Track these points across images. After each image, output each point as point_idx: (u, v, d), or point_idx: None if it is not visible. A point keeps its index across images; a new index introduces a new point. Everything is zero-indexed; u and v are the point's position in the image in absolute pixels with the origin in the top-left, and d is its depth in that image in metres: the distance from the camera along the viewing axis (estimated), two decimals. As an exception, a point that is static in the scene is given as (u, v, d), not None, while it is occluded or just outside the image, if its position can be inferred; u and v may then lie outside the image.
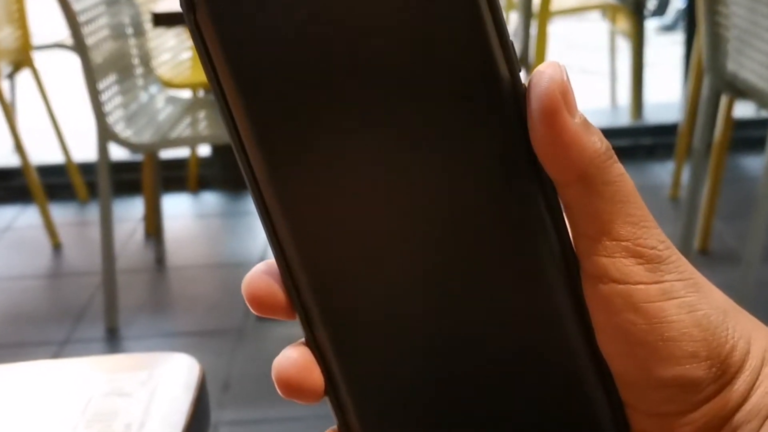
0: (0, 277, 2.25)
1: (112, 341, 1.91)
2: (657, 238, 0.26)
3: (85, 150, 2.51)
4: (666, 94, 3.18)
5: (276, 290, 0.27)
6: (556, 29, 2.92)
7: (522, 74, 0.26)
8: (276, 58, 0.25)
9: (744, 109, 2.42)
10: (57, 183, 2.63)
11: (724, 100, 1.90)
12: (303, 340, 0.27)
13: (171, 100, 2.13)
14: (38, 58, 2.57)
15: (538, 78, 0.25)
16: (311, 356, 0.27)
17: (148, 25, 2.08)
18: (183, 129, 1.97)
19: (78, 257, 2.35)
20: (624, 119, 3.04)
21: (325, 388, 0.27)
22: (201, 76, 2.33)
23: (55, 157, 2.66)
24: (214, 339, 1.89)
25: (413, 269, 0.26)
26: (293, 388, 0.27)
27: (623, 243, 0.25)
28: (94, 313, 2.00)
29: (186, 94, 2.33)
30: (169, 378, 0.52)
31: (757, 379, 0.26)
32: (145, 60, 2.09)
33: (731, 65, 1.72)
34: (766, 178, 1.60)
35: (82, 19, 1.76)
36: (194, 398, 0.50)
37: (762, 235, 1.61)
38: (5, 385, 0.53)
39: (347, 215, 0.26)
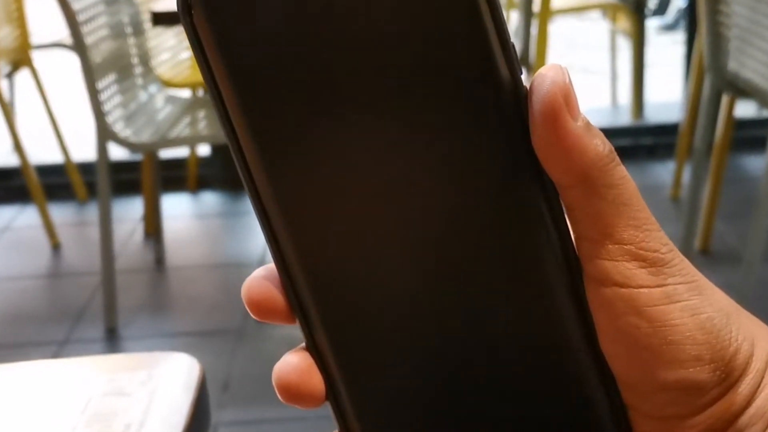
0: (-1, 277, 2.26)
1: (112, 341, 1.91)
2: (660, 241, 0.26)
3: (84, 150, 2.52)
4: (667, 94, 3.18)
5: (275, 295, 0.27)
6: (556, 28, 2.92)
7: (523, 74, 0.25)
8: (273, 60, 0.24)
9: (745, 109, 2.42)
10: (56, 183, 2.63)
11: (725, 100, 1.90)
12: (303, 344, 0.27)
13: (170, 99, 2.13)
14: (37, 57, 2.57)
15: (540, 80, 0.25)
16: (311, 361, 0.27)
17: (147, 25, 2.08)
18: (182, 128, 1.97)
19: (77, 257, 2.35)
20: (625, 119, 3.04)
21: (325, 393, 0.27)
22: (200, 76, 2.33)
23: (54, 157, 2.66)
24: (214, 339, 1.89)
25: (414, 273, 0.26)
26: (294, 394, 0.27)
27: (626, 246, 0.25)
28: (94, 313, 2.00)
29: (185, 93, 2.33)
30: (169, 378, 0.52)
31: (761, 382, 0.26)
32: (145, 59, 2.09)
33: (732, 65, 1.72)
34: (767, 178, 1.60)
35: (81, 18, 1.76)
36: (194, 398, 0.50)
37: (763, 235, 1.61)
38: (5, 385, 0.53)
39: (346, 218, 0.26)
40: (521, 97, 0.25)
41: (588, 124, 0.25)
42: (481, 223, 0.26)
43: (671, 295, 0.25)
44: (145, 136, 1.89)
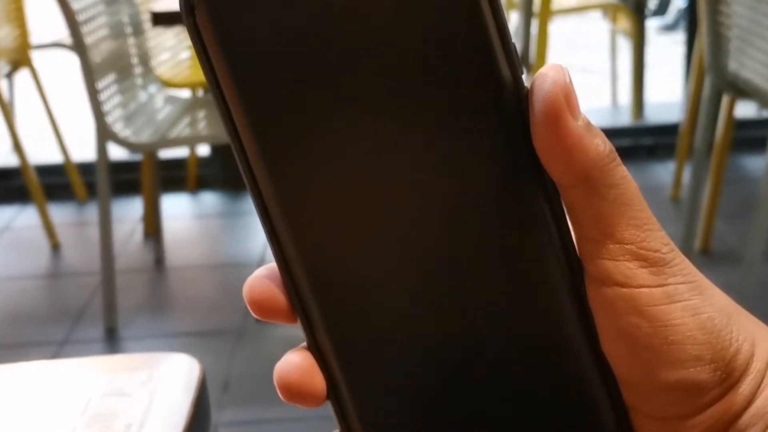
0: (-1, 277, 2.25)
1: (111, 341, 1.91)
2: (661, 240, 0.26)
3: (83, 150, 2.52)
4: (667, 94, 3.18)
5: (277, 294, 0.27)
6: (556, 28, 2.92)
7: (523, 74, 0.25)
8: (275, 60, 0.24)
9: (745, 109, 2.42)
10: (56, 183, 2.63)
11: (725, 100, 1.90)
12: (304, 344, 0.27)
13: (170, 99, 2.12)
14: (37, 57, 2.57)
15: (540, 80, 0.25)
16: (313, 360, 0.27)
17: (147, 25, 2.08)
18: (182, 128, 1.97)
19: (77, 257, 2.35)
20: (625, 119, 3.04)
21: (326, 393, 0.27)
22: (200, 76, 2.33)
23: (54, 157, 2.66)
24: (214, 339, 1.89)
25: (415, 272, 0.26)
26: (295, 393, 0.27)
27: (627, 246, 0.25)
28: (93, 313, 2.00)
29: (185, 93, 2.33)
30: (169, 378, 0.52)
31: (761, 382, 0.26)
32: (144, 59, 2.09)
33: (732, 65, 1.72)
34: None
35: (80, 18, 1.76)
36: (194, 398, 0.50)
37: (763, 236, 1.61)
38: (4, 385, 0.53)
39: (348, 217, 0.26)
40: (522, 97, 0.25)
41: (589, 124, 0.25)
42: (482, 223, 0.26)
43: (672, 295, 0.25)
44: (145, 136, 1.89)
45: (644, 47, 2.95)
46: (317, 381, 0.27)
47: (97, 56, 1.82)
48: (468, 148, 0.25)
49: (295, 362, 0.27)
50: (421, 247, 0.26)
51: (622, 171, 0.26)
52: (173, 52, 2.33)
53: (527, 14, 2.49)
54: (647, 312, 0.25)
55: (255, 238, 2.35)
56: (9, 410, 0.51)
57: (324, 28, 0.24)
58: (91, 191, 2.57)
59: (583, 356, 0.27)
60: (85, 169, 2.58)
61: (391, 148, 0.25)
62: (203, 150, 2.74)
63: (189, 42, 2.53)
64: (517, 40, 2.46)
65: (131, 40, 2.05)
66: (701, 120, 1.86)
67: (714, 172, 1.99)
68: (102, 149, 1.85)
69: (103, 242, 1.90)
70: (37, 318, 2.04)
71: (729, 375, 0.26)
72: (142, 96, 2.04)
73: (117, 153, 2.22)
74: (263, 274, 0.27)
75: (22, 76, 2.60)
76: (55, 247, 2.38)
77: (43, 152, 2.71)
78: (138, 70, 2.06)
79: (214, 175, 2.69)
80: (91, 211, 2.51)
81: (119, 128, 1.85)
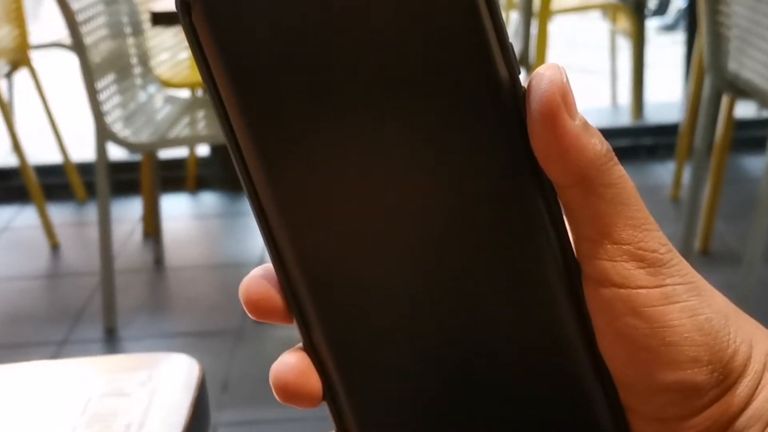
0: (-2, 278, 2.25)
1: (111, 342, 1.91)
2: (658, 241, 0.26)
3: (83, 150, 2.52)
4: (667, 94, 3.18)
5: (273, 295, 0.27)
6: (556, 28, 2.92)
7: (522, 74, 0.25)
8: (272, 60, 0.24)
9: (745, 109, 2.42)
10: (55, 183, 2.63)
11: (725, 100, 1.90)
12: (300, 344, 0.27)
13: (169, 99, 2.12)
14: (36, 57, 2.57)
15: (537, 80, 0.25)
16: (309, 361, 0.27)
17: (146, 25, 2.08)
18: (181, 129, 1.97)
19: (76, 257, 2.35)
20: (625, 119, 3.04)
21: (323, 393, 0.27)
22: (199, 76, 2.32)
23: (53, 157, 2.66)
24: (213, 340, 1.89)
25: (412, 273, 0.26)
26: (291, 394, 0.27)
27: (624, 246, 0.25)
28: (93, 313, 2.00)
29: (185, 93, 2.33)
30: (168, 378, 0.51)
31: (759, 383, 0.26)
32: (144, 59, 2.09)
33: (732, 65, 1.72)
34: None
35: (80, 18, 1.76)
36: (194, 398, 0.50)
37: (763, 236, 1.61)
38: (4, 385, 0.53)
39: (344, 218, 0.26)
40: (519, 96, 0.25)
41: (585, 124, 0.25)
42: (479, 224, 0.25)
43: (670, 296, 0.25)
44: (145, 136, 1.89)
45: (644, 47, 2.95)
46: (313, 382, 0.27)
47: (96, 56, 1.82)
48: (465, 148, 0.25)
49: (291, 363, 0.27)
50: (417, 248, 0.26)
51: (620, 170, 0.25)
52: (173, 52, 2.33)
53: (527, 14, 2.49)
54: (645, 313, 0.25)
55: (254, 238, 2.35)
56: (9, 410, 0.51)
57: (321, 28, 0.24)
58: (91, 191, 2.57)
59: (581, 357, 0.26)
60: (85, 169, 2.58)
61: (388, 148, 0.25)
62: (203, 150, 2.74)
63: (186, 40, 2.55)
64: (516, 40, 2.46)
65: (131, 40, 2.05)
66: (701, 120, 1.86)
67: (714, 172, 1.99)
68: (101, 149, 1.85)
69: (103, 242, 1.90)
70: (37, 318, 2.04)
71: (726, 376, 0.26)
72: (142, 96, 2.04)
73: (116, 153, 2.22)
74: (259, 274, 0.27)
75: (22, 76, 2.60)
76: (55, 247, 2.38)
77: (42, 152, 2.71)
78: (137, 70, 2.06)
79: (213, 175, 2.69)
80: (91, 211, 2.52)
81: (119, 128, 1.85)
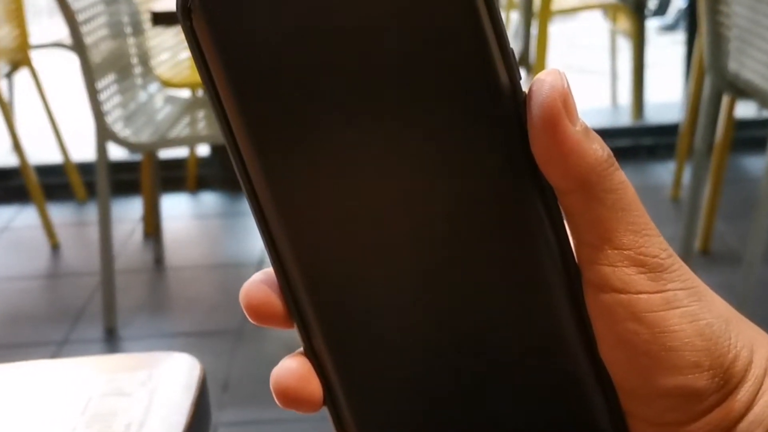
0: (-2, 277, 2.25)
1: (111, 342, 1.91)
2: (659, 246, 0.26)
3: (83, 150, 2.51)
4: (667, 94, 3.18)
5: (273, 299, 0.27)
6: (556, 29, 2.92)
7: (523, 75, 0.25)
8: (271, 63, 0.24)
9: (745, 109, 2.42)
10: (55, 183, 2.63)
11: (725, 100, 1.90)
12: (301, 349, 0.27)
13: (170, 99, 2.12)
14: (36, 57, 2.56)
15: (538, 86, 0.25)
16: (309, 366, 0.27)
17: (147, 24, 2.07)
18: (182, 128, 1.97)
19: (76, 257, 2.35)
20: (625, 119, 3.04)
21: (323, 398, 0.27)
22: (199, 78, 2.32)
23: (54, 157, 2.66)
24: (213, 339, 1.88)
25: (412, 278, 0.26)
26: (291, 399, 0.27)
27: (625, 252, 0.25)
28: (93, 313, 2.00)
29: (185, 93, 2.32)
30: (169, 378, 0.51)
31: (759, 388, 0.26)
32: (144, 59, 2.09)
33: (733, 65, 1.72)
34: None
35: (80, 18, 1.76)
36: (195, 398, 0.50)
37: (763, 236, 1.61)
38: (4, 385, 0.53)
39: (344, 222, 0.25)
40: (520, 102, 0.25)
41: (586, 129, 0.25)
42: (479, 229, 0.25)
43: (671, 301, 0.25)
44: (145, 136, 1.89)
45: (644, 47, 2.95)
46: (314, 386, 0.27)
47: (96, 56, 1.81)
48: (466, 153, 0.25)
49: (292, 368, 0.27)
50: (418, 253, 0.26)
51: (620, 176, 0.25)
52: (173, 52, 2.32)
53: (527, 14, 2.49)
54: (645, 318, 0.25)
55: (254, 238, 2.35)
56: (9, 410, 0.51)
57: (320, 32, 0.24)
58: (91, 191, 2.57)
59: (581, 362, 0.26)
60: (85, 169, 2.58)
61: (388, 153, 0.25)
62: (203, 150, 2.74)
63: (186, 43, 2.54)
64: (516, 40, 2.46)
65: (131, 40, 2.05)
66: (701, 120, 1.86)
67: (714, 172, 1.99)
68: (102, 149, 1.85)
69: (103, 242, 1.90)
70: (37, 318, 2.04)
71: (727, 381, 0.26)
72: (142, 96, 2.04)
73: (117, 153, 2.21)
74: (260, 279, 0.27)
75: (22, 75, 2.60)
76: (55, 247, 2.38)
77: (42, 152, 2.71)
78: (138, 70, 2.06)
79: (213, 175, 2.69)
80: (91, 211, 2.51)
81: (119, 128, 1.85)
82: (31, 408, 0.51)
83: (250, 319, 0.27)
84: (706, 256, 2.06)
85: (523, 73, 0.27)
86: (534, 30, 2.49)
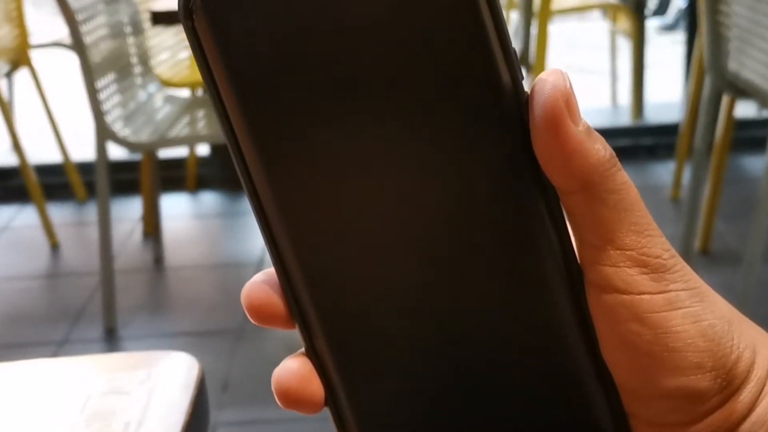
0: (-2, 277, 2.25)
1: (111, 341, 1.91)
2: (661, 246, 0.26)
3: (83, 149, 2.51)
4: (667, 94, 3.18)
5: (275, 300, 0.27)
6: (556, 29, 2.92)
7: (523, 77, 0.25)
8: (273, 63, 0.24)
9: (745, 109, 2.42)
10: (55, 182, 2.63)
11: (725, 100, 1.90)
12: (302, 350, 0.27)
13: (169, 99, 2.12)
14: (36, 56, 2.56)
15: (540, 85, 0.25)
16: (311, 366, 0.27)
17: (146, 24, 2.08)
18: (181, 128, 1.96)
19: (76, 257, 2.35)
20: (625, 119, 3.04)
21: (325, 399, 0.27)
22: (200, 76, 2.32)
23: (53, 157, 2.66)
24: (213, 339, 1.88)
25: (414, 279, 0.26)
26: (293, 399, 0.27)
27: (628, 252, 0.25)
28: (93, 313, 2.00)
29: (184, 93, 2.33)
30: (168, 377, 0.52)
31: (762, 389, 0.26)
32: (144, 59, 2.09)
33: (732, 65, 1.72)
34: (767, 179, 1.59)
35: (80, 17, 1.76)
36: (193, 397, 0.50)
37: (763, 236, 1.61)
38: (4, 383, 0.53)
39: (346, 222, 0.25)
40: (522, 102, 0.25)
41: (589, 129, 0.25)
42: (481, 229, 0.25)
43: (673, 302, 0.25)
44: (144, 136, 1.89)
45: (644, 47, 2.95)
46: (315, 387, 0.27)
47: (96, 56, 1.81)
48: (468, 153, 0.25)
49: (293, 368, 0.27)
50: (419, 254, 0.26)
51: (623, 176, 0.25)
52: (173, 51, 2.33)
53: (527, 14, 2.49)
54: (648, 319, 0.25)
55: (254, 238, 2.35)
56: (8, 408, 0.51)
57: (322, 33, 0.24)
58: (91, 191, 2.57)
59: (583, 363, 0.26)
60: (85, 168, 2.58)
61: (390, 153, 0.25)
62: (203, 150, 2.74)
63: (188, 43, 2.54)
64: (516, 41, 2.46)
65: (131, 40, 2.05)
66: (701, 120, 1.86)
67: (714, 172, 1.99)
68: (101, 149, 1.85)
69: (103, 242, 1.90)
70: (37, 318, 2.04)
71: (730, 383, 0.26)
72: (142, 95, 2.04)
73: (116, 152, 2.21)
74: (261, 280, 0.27)
75: (22, 75, 2.60)
76: (55, 246, 2.38)
77: (42, 152, 2.71)
78: (137, 69, 2.06)
79: (213, 174, 2.69)
80: (91, 211, 2.51)
81: (118, 128, 1.85)
82: (31, 406, 0.51)
83: (251, 320, 0.27)
84: (705, 256, 2.06)
85: (523, 73, 0.27)
86: (534, 29, 2.50)
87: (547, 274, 0.26)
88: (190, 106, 2.09)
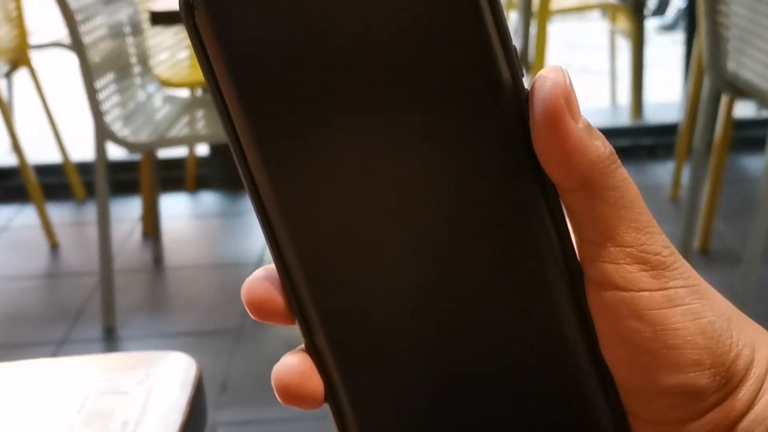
0: (-3, 277, 2.25)
1: (110, 341, 1.91)
2: (661, 243, 0.26)
3: (82, 149, 2.51)
4: (666, 94, 3.18)
5: (275, 296, 0.27)
6: (556, 29, 2.92)
7: (523, 77, 0.25)
8: (275, 60, 0.24)
9: (744, 109, 2.42)
10: (54, 183, 2.63)
11: (724, 100, 1.90)
12: (302, 346, 0.27)
13: (169, 99, 2.12)
14: (36, 57, 2.56)
15: (541, 82, 0.25)
16: (311, 362, 0.27)
17: (145, 24, 2.07)
18: (181, 128, 1.96)
19: (75, 257, 2.35)
20: (624, 119, 3.04)
21: (324, 395, 0.27)
22: (199, 75, 2.33)
23: (53, 157, 2.66)
24: (212, 339, 1.88)
25: (414, 276, 0.26)
26: (292, 395, 0.27)
27: (627, 249, 0.25)
28: (92, 313, 2.00)
29: (184, 93, 2.33)
30: (165, 377, 0.52)
31: (761, 387, 0.26)
32: (143, 59, 2.09)
33: (732, 65, 1.72)
34: (767, 178, 1.59)
35: (79, 17, 1.76)
36: (191, 397, 0.50)
37: (762, 236, 1.61)
38: (2, 383, 0.53)
39: (347, 219, 0.25)
40: (522, 99, 0.25)
41: (589, 126, 0.25)
42: (481, 226, 0.25)
43: (673, 299, 0.25)
44: (144, 136, 1.89)
45: (643, 47, 2.95)
46: (315, 383, 0.27)
47: (95, 56, 1.81)
48: (468, 150, 0.25)
49: (293, 364, 0.27)
50: (419, 250, 0.26)
51: (623, 173, 0.25)
52: (172, 51, 2.32)
53: (526, 14, 2.49)
54: (647, 316, 0.25)
55: (254, 238, 2.35)
56: (7, 408, 0.51)
57: (323, 29, 0.24)
58: (90, 191, 2.56)
59: (582, 360, 0.26)
60: (84, 168, 2.58)
61: (391, 150, 0.25)
62: (202, 150, 2.74)
63: (188, 42, 2.52)
64: (516, 40, 2.46)
65: (130, 40, 2.05)
66: (700, 120, 1.86)
67: (713, 172, 1.99)
68: (101, 149, 1.85)
69: (102, 242, 1.89)
70: (36, 318, 2.04)
71: (729, 380, 0.26)
72: (141, 95, 2.04)
73: (116, 153, 2.21)
74: (261, 276, 0.27)
75: (21, 75, 2.60)
76: (54, 246, 2.38)
77: (41, 152, 2.71)
78: (137, 69, 2.06)
79: (212, 174, 2.69)
80: (90, 211, 2.51)
81: (118, 128, 1.85)
82: (29, 406, 0.51)
83: (251, 316, 0.27)
84: (705, 256, 2.07)
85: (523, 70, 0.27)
86: (533, 29, 2.50)
87: (546, 271, 0.26)
88: (189, 106, 2.09)
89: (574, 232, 0.26)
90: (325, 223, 0.25)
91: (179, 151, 2.64)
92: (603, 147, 0.25)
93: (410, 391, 0.27)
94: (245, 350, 1.83)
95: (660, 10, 4.70)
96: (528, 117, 0.25)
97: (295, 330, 0.27)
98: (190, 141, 2.16)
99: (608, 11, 3.23)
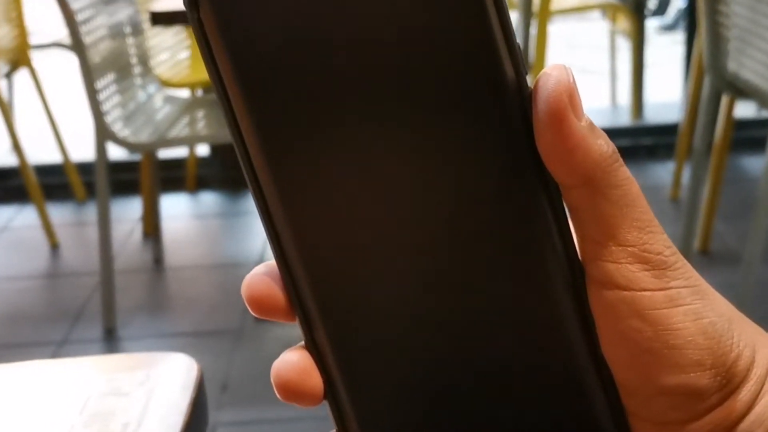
0: (-2, 277, 2.25)
1: (110, 342, 1.91)
2: (663, 243, 0.26)
3: (82, 149, 2.51)
4: (666, 94, 3.18)
5: (276, 292, 0.27)
6: (556, 29, 2.92)
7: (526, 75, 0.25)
8: (279, 56, 0.24)
9: (745, 109, 2.42)
10: (54, 183, 2.63)
11: (724, 100, 1.90)
12: (302, 343, 0.27)
13: (169, 99, 2.12)
14: (36, 57, 2.56)
15: (544, 80, 0.25)
16: (310, 359, 0.27)
17: (146, 24, 2.08)
18: (181, 128, 1.96)
19: (76, 257, 2.35)
20: (624, 119, 3.04)
21: (324, 392, 0.27)
22: (199, 75, 2.33)
23: (53, 157, 2.66)
24: (212, 340, 1.88)
25: (416, 273, 0.26)
26: (292, 392, 0.27)
27: (629, 248, 0.25)
28: (92, 313, 2.00)
29: (184, 93, 2.33)
30: (166, 378, 0.52)
31: (761, 388, 0.26)
32: (143, 59, 2.09)
33: (732, 65, 1.72)
34: (767, 179, 1.59)
35: (79, 18, 1.76)
36: (192, 398, 0.50)
37: (763, 236, 1.61)
38: (3, 385, 0.53)
39: (349, 217, 0.25)
40: (525, 97, 0.25)
41: (592, 125, 0.25)
42: (483, 224, 0.25)
43: (674, 299, 0.25)
44: (144, 136, 1.89)
45: (644, 47, 2.95)
46: (315, 380, 0.27)
47: (96, 56, 1.81)
48: (470, 148, 0.25)
49: (293, 361, 0.27)
50: (421, 248, 0.26)
51: (625, 172, 0.25)
52: (172, 51, 2.32)
53: (526, 14, 2.49)
54: (649, 315, 0.25)
55: (254, 238, 2.35)
56: (7, 409, 0.51)
57: (329, 26, 0.24)
58: (90, 191, 2.56)
59: (583, 359, 0.26)
60: (84, 168, 2.58)
61: (394, 147, 0.25)
62: (202, 150, 2.74)
63: (188, 42, 2.52)
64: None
65: (130, 40, 2.05)
66: (700, 120, 1.86)
67: (713, 172, 1.99)
68: (101, 149, 1.85)
69: (102, 242, 1.89)
70: (36, 318, 2.04)
71: (729, 381, 0.26)
72: (141, 96, 2.04)
73: (116, 153, 2.21)
74: (262, 272, 0.27)
75: (21, 75, 2.60)
76: (54, 247, 2.38)
77: (42, 152, 2.71)
78: (137, 69, 2.06)
79: (213, 175, 2.69)
80: (90, 211, 2.51)
81: (118, 128, 1.85)
82: (30, 407, 0.51)
83: (251, 312, 0.27)
84: (705, 256, 2.06)
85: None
86: (533, 30, 2.50)
87: (548, 269, 0.26)
88: (189, 106, 2.09)
89: (576, 230, 0.26)
90: (327, 220, 0.25)
91: (179, 152, 2.64)
92: (606, 145, 0.25)
93: (410, 389, 0.27)
94: (246, 350, 1.83)
95: (660, 10, 4.70)
96: (531, 115, 0.25)
97: (295, 330, 0.27)
98: (191, 141, 2.16)
99: (608, 11, 3.23)
